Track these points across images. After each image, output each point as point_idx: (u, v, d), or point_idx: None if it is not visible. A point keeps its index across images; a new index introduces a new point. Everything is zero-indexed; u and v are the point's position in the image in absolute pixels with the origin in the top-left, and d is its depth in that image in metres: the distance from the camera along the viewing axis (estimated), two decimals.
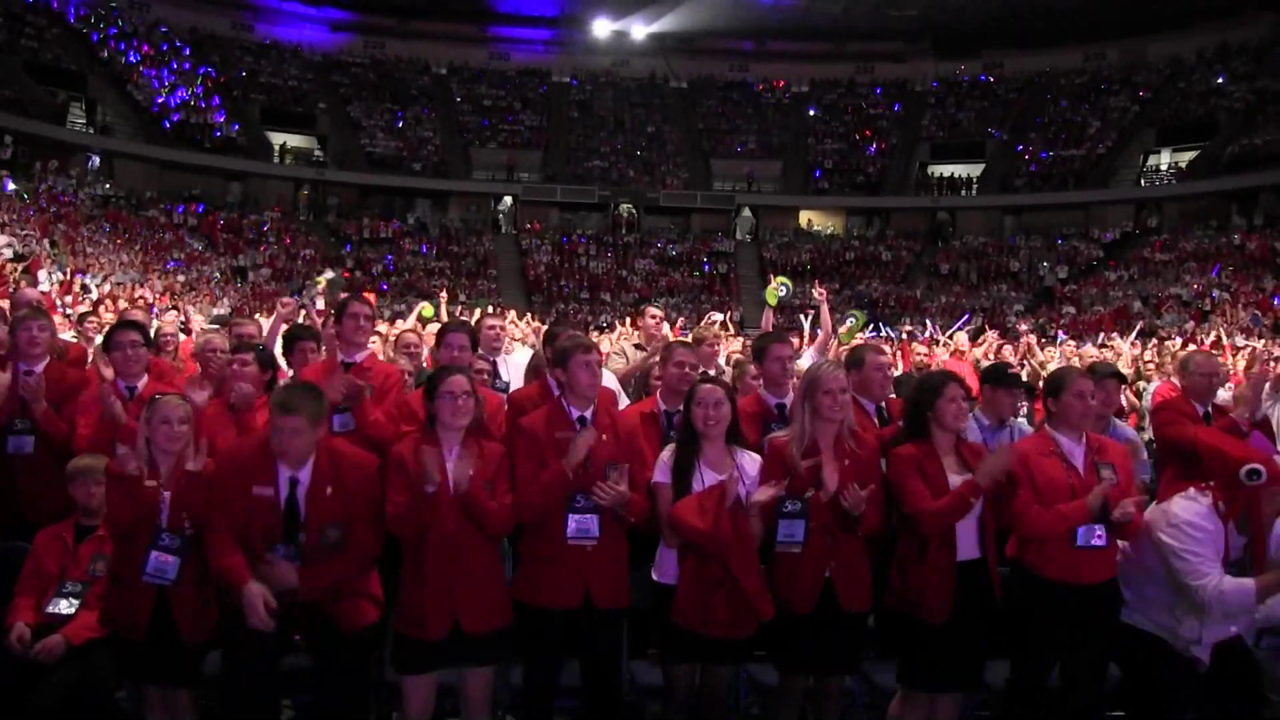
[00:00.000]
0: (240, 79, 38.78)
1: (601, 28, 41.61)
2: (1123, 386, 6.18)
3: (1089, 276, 33.35)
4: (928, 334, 12.32)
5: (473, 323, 6.92)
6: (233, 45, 39.97)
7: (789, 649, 4.07)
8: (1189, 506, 4.05)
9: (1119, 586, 4.15)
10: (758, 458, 4.14)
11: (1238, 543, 3.98)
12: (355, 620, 3.89)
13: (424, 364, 6.17)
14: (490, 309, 10.62)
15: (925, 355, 10.03)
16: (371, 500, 3.88)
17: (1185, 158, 35.67)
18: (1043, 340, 12.31)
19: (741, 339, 10.29)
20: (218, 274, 29.84)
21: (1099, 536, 3.95)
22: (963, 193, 39.04)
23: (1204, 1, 36.46)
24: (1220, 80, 36.54)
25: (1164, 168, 36.29)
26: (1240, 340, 19.27)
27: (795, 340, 6.26)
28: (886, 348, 8.90)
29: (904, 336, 12.90)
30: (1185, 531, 3.97)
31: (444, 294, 12.74)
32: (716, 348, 6.47)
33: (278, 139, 38.02)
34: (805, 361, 6.19)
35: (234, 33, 40.43)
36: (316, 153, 38.74)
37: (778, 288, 8.52)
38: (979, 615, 3.97)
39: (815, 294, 7.59)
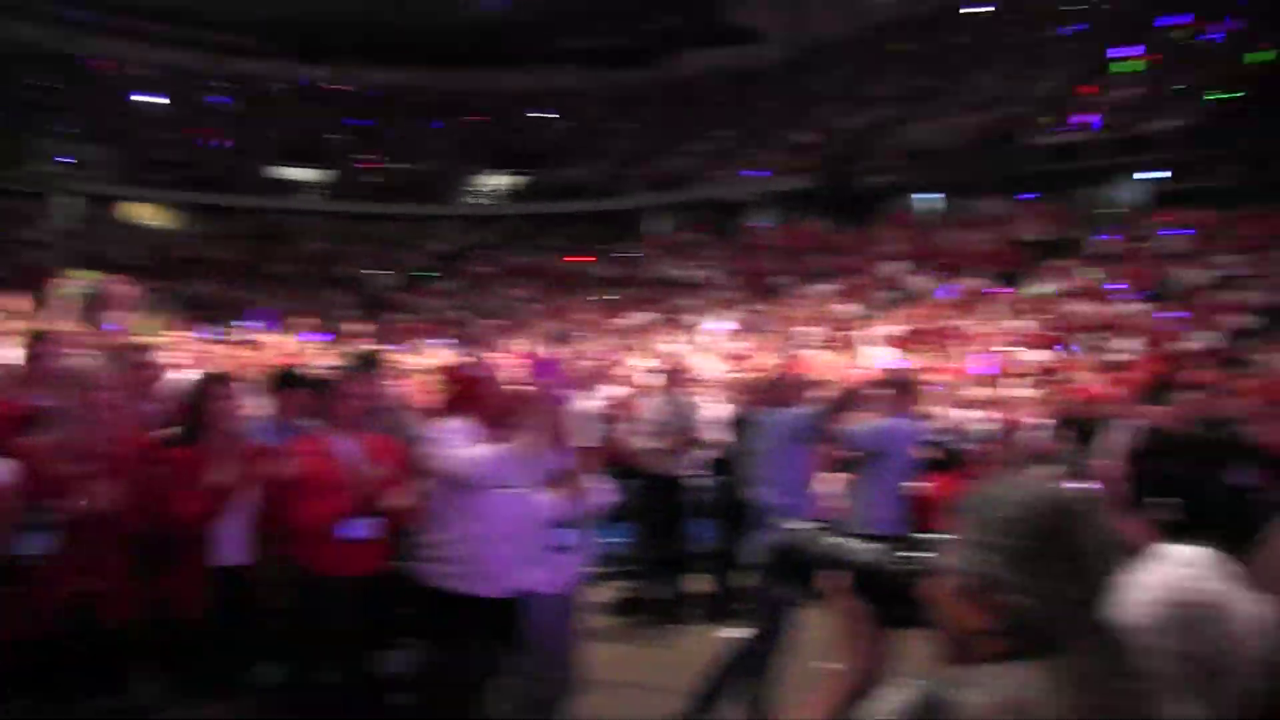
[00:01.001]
0: None
1: None
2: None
3: (421, 286, 35.49)
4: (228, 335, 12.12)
5: None
6: None
7: (40, 674, 3.72)
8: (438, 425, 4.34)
9: (397, 577, 4.34)
10: (10, 463, 3.76)
11: (557, 461, 4.25)
12: None
13: None
14: None
15: (240, 356, 9.84)
16: None
17: (514, 182, 39.88)
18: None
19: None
20: None
21: (365, 528, 4.14)
22: (306, 197, 39.19)
23: (532, 43, 41.38)
24: (546, 116, 41.94)
25: (494, 190, 40.07)
26: (547, 348, 21.82)
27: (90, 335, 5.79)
28: (194, 347, 8.64)
29: (226, 337, 12.53)
30: (434, 441, 4.14)
31: None
32: None
33: None
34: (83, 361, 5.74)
35: None
36: None
37: (69, 283, 7.86)
38: (244, 616, 4.03)
39: (114, 289, 7.15)
